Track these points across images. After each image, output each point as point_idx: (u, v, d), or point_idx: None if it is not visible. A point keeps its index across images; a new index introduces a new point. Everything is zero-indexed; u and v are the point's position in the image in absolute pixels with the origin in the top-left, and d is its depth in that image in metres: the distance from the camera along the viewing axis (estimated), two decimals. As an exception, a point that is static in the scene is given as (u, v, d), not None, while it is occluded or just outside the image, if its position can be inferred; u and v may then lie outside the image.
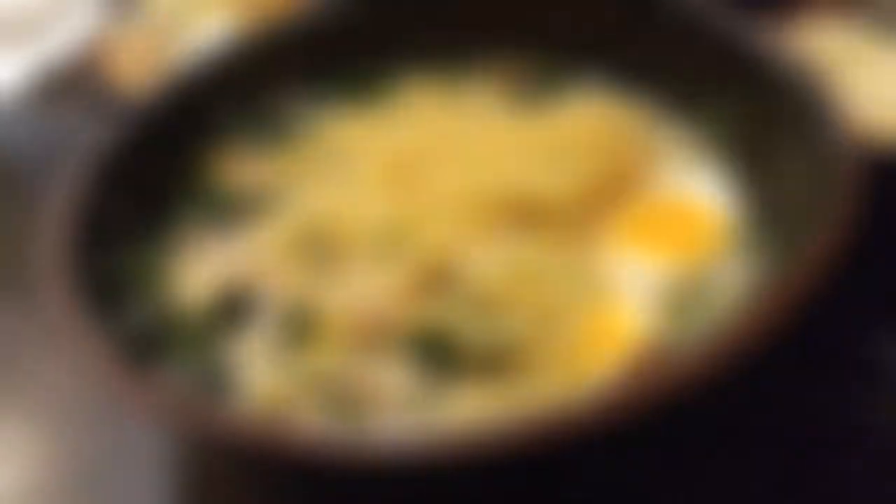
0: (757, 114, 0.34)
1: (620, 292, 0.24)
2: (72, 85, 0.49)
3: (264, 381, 0.30)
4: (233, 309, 0.32)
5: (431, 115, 0.36)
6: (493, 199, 0.28)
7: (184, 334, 0.35)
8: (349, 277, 0.27)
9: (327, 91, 0.41)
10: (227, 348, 0.32)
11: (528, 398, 0.25)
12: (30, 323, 0.44)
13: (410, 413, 0.26)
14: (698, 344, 0.23)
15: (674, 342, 0.25)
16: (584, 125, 0.35)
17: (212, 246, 0.39)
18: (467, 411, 0.26)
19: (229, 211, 0.37)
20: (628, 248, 0.28)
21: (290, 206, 0.33)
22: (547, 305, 0.24)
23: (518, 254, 0.26)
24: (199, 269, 0.37)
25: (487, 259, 0.25)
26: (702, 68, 0.37)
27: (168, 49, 0.53)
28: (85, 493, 0.34)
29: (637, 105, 0.40)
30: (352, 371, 0.28)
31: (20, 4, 0.49)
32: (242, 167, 0.40)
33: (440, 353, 0.24)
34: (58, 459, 0.36)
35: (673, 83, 0.39)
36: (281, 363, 0.29)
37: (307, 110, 0.40)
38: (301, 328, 0.29)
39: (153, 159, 0.39)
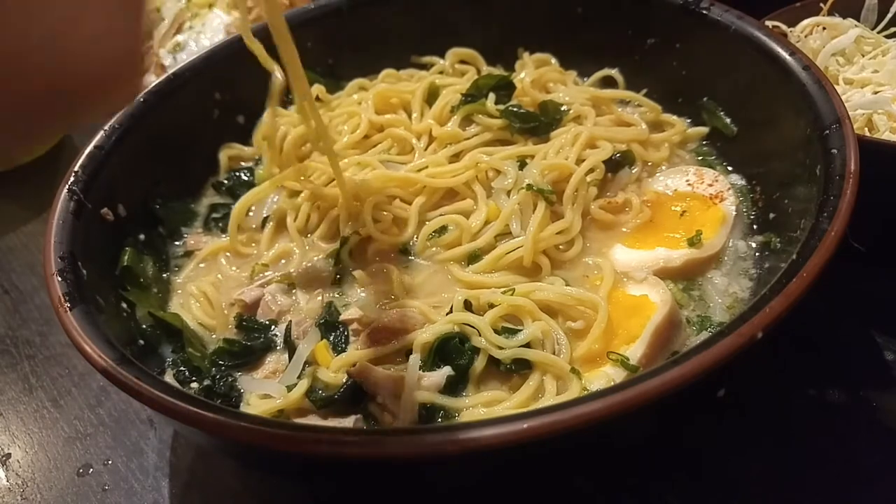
0: (758, 106, 0.34)
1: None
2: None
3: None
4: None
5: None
6: None
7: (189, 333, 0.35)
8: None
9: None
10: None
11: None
12: (31, 323, 0.44)
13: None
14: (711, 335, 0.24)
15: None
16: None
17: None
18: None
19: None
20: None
21: None
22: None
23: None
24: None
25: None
26: (705, 61, 0.37)
27: (166, 45, 0.53)
28: (86, 493, 0.34)
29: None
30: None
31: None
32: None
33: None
34: (60, 459, 0.36)
35: (675, 76, 0.39)
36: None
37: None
38: None
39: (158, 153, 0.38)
